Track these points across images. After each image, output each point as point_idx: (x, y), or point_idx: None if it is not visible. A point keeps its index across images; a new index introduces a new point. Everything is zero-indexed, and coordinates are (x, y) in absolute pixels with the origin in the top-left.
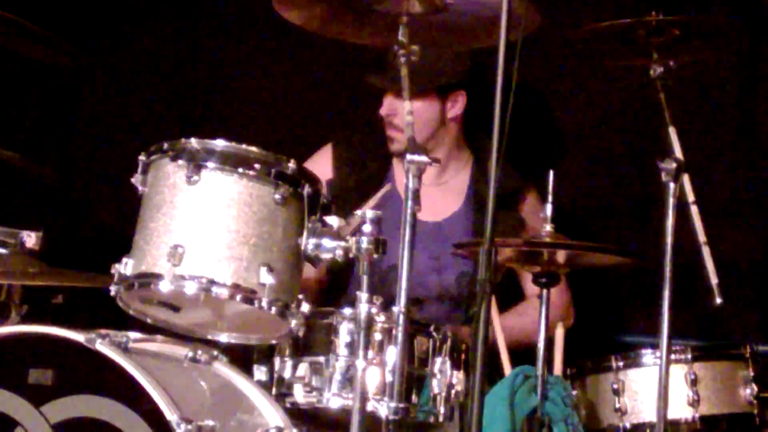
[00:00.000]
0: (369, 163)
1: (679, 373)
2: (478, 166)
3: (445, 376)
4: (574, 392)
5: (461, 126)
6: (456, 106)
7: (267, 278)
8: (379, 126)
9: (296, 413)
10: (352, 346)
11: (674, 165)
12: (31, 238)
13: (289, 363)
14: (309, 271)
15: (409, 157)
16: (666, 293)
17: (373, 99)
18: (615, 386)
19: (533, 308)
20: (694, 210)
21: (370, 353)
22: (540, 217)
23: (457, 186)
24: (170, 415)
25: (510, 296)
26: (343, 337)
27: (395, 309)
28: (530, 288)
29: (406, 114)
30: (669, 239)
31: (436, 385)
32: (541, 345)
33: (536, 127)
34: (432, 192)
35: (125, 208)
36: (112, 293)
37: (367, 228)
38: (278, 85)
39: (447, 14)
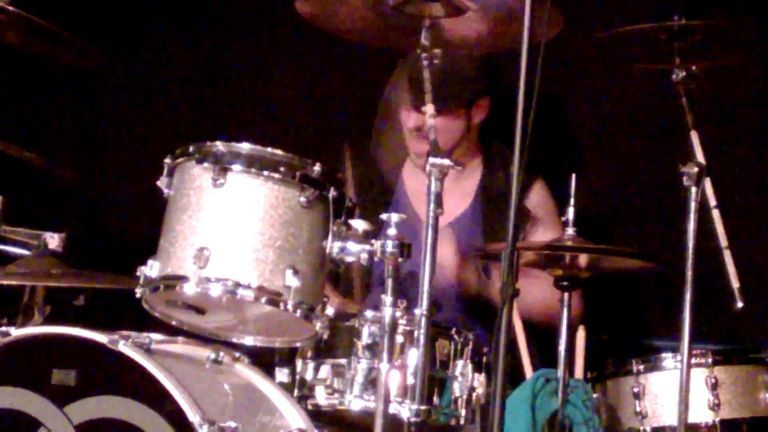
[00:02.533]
0: (383, 168)
1: (699, 376)
2: (488, 167)
3: (466, 379)
4: (595, 396)
5: (479, 130)
6: (480, 112)
7: (292, 281)
8: (392, 137)
9: (318, 415)
10: (373, 349)
11: (696, 169)
12: (53, 240)
13: (311, 365)
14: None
15: (431, 160)
16: (687, 297)
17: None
18: (636, 390)
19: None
20: (715, 214)
21: (393, 356)
22: (547, 207)
23: (466, 188)
24: (193, 417)
25: None
26: (365, 340)
27: (417, 312)
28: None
29: (428, 117)
30: (691, 243)
31: (457, 388)
32: (561, 348)
33: (558, 131)
34: (446, 194)
35: (147, 209)
36: (138, 295)
37: (391, 231)
38: (300, 88)
39: (469, 17)
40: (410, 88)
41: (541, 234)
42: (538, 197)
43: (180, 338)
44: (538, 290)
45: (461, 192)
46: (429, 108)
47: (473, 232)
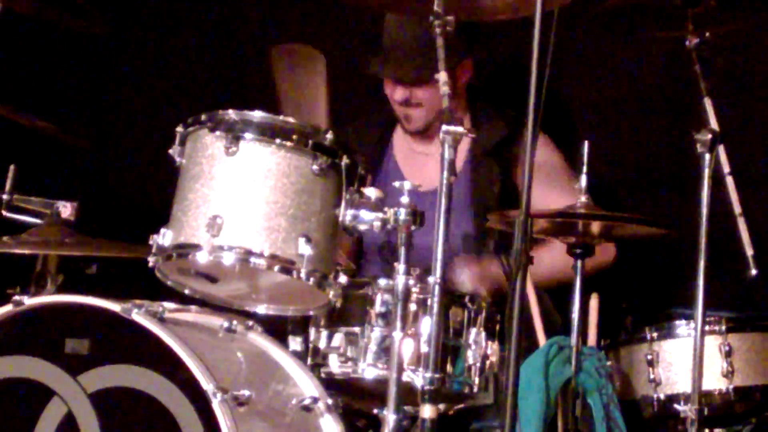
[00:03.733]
0: (368, 130)
1: (713, 344)
2: (475, 127)
3: (479, 347)
4: (609, 363)
5: (465, 92)
6: (464, 74)
7: (305, 249)
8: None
9: (331, 383)
10: (386, 317)
11: (709, 136)
12: (66, 209)
13: (324, 333)
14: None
15: (444, 127)
16: (701, 264)
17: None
18: (649, 357)
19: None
20: (729, 181)
21: (406, 324)
22: (552, 158)
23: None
24: (206, 385)
25: None
26: (378, 308)
27: (431, 279)
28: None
29: (441, 85)
30: (704, 210)
31: (470, 356)
32: (575, 315)
33: (571, 98)
34: (428, 159)
35: (160, 178)
36: (151, 264)
37: (404, 199)
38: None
39: None
40: (389, 61)
41: (554, 193)
42: (540, 151)
43: (193, 307)
44: (548, 258)
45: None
46: (442, 75)
47: (465, 196)
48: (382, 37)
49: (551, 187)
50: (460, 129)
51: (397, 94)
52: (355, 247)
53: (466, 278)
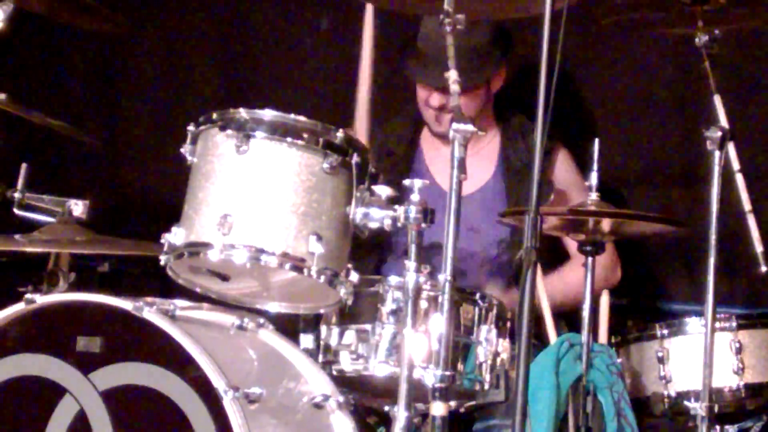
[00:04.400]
0: (397, 140)
1: (723, 341)
2: (506, 136)
3: (490, 344)
4: (619, 360)
5: (494, 98)
6: (498, 81)
7: (316, 247)
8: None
9: (342, 380)
10: (397, 315)
11: (719, 133)
12: (78, 207)
13: (335, 331)
14: None
15: (455, 126)
16: (711, 261)
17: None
18: (660, 354)
19: (578, 268)
20: (739, 178)
21: (417, 322)
22: (574, 176)
23: (487, 157)
24: (218, 383)
25: (553, 256)
26: (389, 306)
27: (441, 277)
28: (574, 249)
29: (452, 82)
30: (714, 207)
31: (481, 353)
32: (586, 313)
33: (581, 96)
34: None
35: (171, 177)
36: (162, 262)
37: (415, 197)
38: (322, 58)
39: None
40: (427, 66)
41: (569, 204)
42: (562, 168)
43: (205, 305)
44: (571, 287)
45: (483, 161)
46: (452, 74)
47: (498, 200)
48: (418, 40)
49: (572, 200)
50: (470, 127)
51: (433, 99)
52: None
53: None
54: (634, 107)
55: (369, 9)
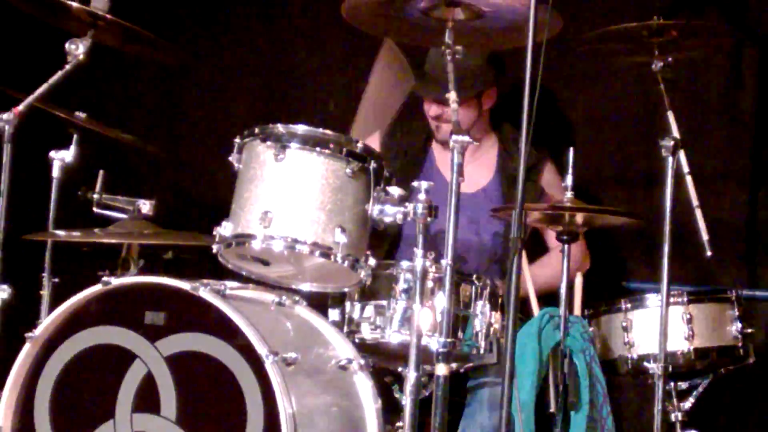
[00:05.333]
0: (413, 138)
1: (677, 313)
2: (503, 146)
3: (485, 317)
4: (591, 329)
5: (489, 113)
6: (489, 101)
7: (341, 237)
8: (420, 117)
9: (363, 347)
10: (408, 292)
11: (672, 143)
12: (146, 206)
13: (357, 306)
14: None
15: (454, 137)
16: (666, 248)
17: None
18: (624, 324)
19: (556, 258)
20: (688, 179)
21: (424, 298)
22: (557, 181)
23: (487, 163)
24: (260, 349)
25: (537, 249)
26: (401, 285)
27: (444, 262)
28: (553, 242)
29: (452, 102)
30: (668, 203)
31: (477, 324)
32: (563, 290)
33: (559, 113)
34: (468, 167)
35: (221, 180)
36: (214, 251)
37: (421, 196)
38: (344, 80)
39: (484, 20)
40: (429, 84)
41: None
42: (549, 176)
43: (250, 285)
44: (542, 274)
45: (483, 166)
46: (452, 95)
47: (496, 200)
48: (425, 65)
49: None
50: (466, 138)
51: (432, 110)
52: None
53: None
54: (603, 121)
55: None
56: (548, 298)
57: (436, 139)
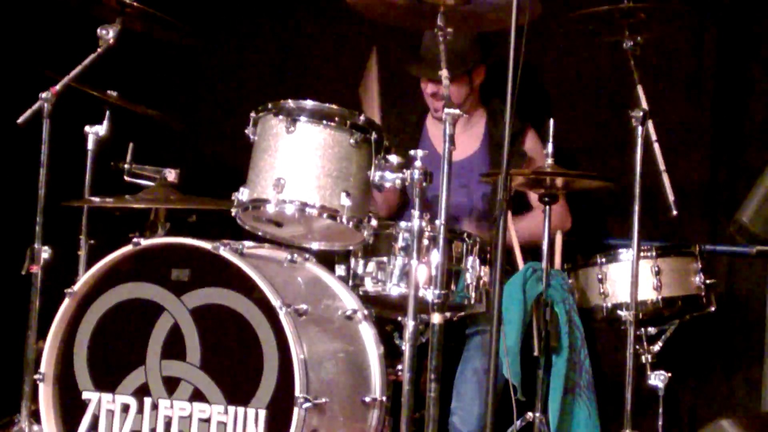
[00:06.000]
0: (408, 116)
1: (646, 266)
2: (491, 118)
3: (475, 271)
4: (570, 281)
5: (479, 89)
6: (479, 77)
7: (346, 201)
8: (415, 98)
9: (366, 299)
10: (407, 250)
11: (641, 113)
12: (171, 174)
13: (361, 262)
14: (390, 199)
15: (446, 110)
16: (636, 207)
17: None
18: (599, 276)
19: (538, 215)
20: (656, 146)
21: (420, 255)
22: (538, 147)
23: (476, 133)
24: (275, 301)
25: (522, 209)
26: (400, 243)
27: (438, 222)
28: (535, 201)
29: (444, 79)
30: (638, 168)
31: (468, 277)
32: (545, 246)
33: (540, 88)
34: (459, 137)
35: (239, 151)
36: (233, 214)
37: (418, 164)
38: (347, 59)
39: (473, 5)
40: (424, 65)
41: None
42: (531, 142)
43: (266, 245)
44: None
45: (473, 136)
46: (444, 72)
47: (484, 165)
48: (421, 47)
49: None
50: (457, 111)
51: (429, 88)
52: (398, 201)
53: None
54: (580, 95)
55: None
56: (532, 253)
57: (432, 115)
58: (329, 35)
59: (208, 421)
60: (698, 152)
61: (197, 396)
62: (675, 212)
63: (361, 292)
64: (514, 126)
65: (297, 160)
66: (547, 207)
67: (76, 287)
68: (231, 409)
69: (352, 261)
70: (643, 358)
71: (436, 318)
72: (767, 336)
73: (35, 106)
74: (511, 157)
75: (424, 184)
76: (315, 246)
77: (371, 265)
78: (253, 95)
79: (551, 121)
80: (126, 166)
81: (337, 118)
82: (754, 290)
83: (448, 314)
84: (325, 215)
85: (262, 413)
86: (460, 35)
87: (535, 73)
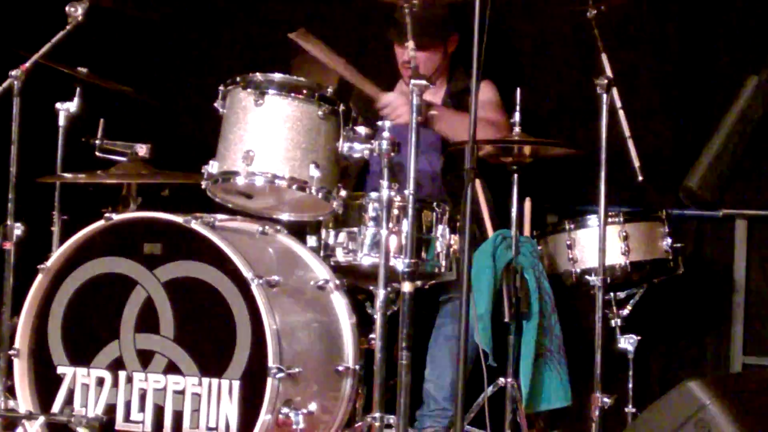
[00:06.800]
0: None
1: (614, 231)
2: (451, 85)
3: (445, 239)
4: (539, 248)
5: (450, 57)
6: (452, 46)
7: (315, 172)
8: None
9: (338, 269)
10: (377, 220)
11: (606, 81)
12: (142, 149)
13: (332, 233)
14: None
15: (413, 81)
16: (602, 174)
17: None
18: (568, 242)
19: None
20: (621, 113)
21: (391, 224)
22: (491, 98)
23: (437, 98)
24: (247, 273)
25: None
26: (370, 213)
27: (406, 192)
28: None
29: (410, 50)
30: (603, 135)
31: (438, 246)
32: (513, 214)
33: (507, 57)
34: None
35: (208, 124)
36: (203, 186)
37: (385, 134)
38: (317, 30)
39: None
40: (398, 32)
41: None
42: (483, 91)
43: (238, 217)
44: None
45: (434, 98)
46: (410, 44)
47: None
48: (396, 14)
49: (486, 111)
50: (423, 82)
51: (405, 55)
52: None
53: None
54: (546, 64)
55: None
56: (502, 220)
57: (405, 82)
58: (300, 7)
59: (182, 393)
60: (663, 118)
61: (171, 368)
62: (641, 178)
63: (332, 263)
64: (465, 82)
65: (266, 133)
66: (515, 176)
67: (49, 263)
68: (205, 380)
69: (323, 232)
70: (613, 322)
71: (407, 287)
72: (734, 298)
73: (5, 84)
74: (476, 121)
75: (393, 154)
76: (285, 217)
77: (342, 236)
78: (224, 70)
79: (518, 90)
80: (97, 141)
81: (305, 91)
82: (721, 253)
83: (419, 283)
84: (294, 186)
85: (236, 384)
86: (435, 5)
87: (501, 40)
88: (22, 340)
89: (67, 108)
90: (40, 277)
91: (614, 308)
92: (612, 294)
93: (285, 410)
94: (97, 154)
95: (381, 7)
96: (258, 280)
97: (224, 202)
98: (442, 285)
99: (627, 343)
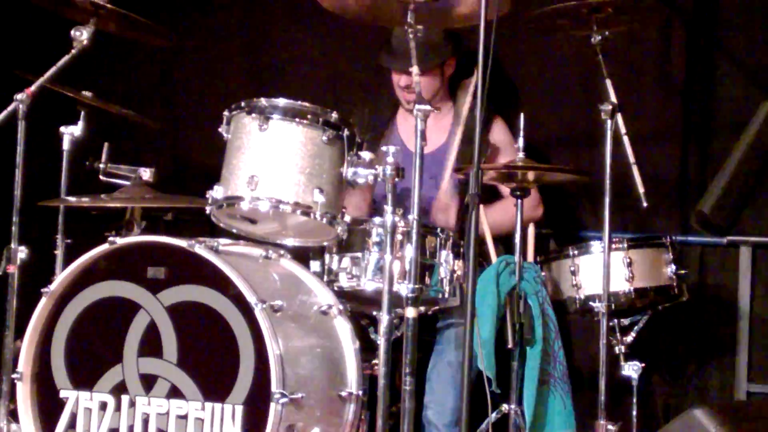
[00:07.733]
0: (382, 112)
1: (618, 257)
2: (457, 110)
3: (448, 265)
4: (543, 273)
5: (448, 82)
6: (450, 69)
7: (319, 197)
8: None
9: (341, 294)
10: (380, 245)
11: (610, 107)
12: (146, 173)
13: (336, 258)
14: (361, 199)
15: (417, 106)
16: (607, 200)
17: (383, 70)
18: (572, 268)
19: (509, 205)
20: (625, 139)
21: (394, 250)
22: (504, 137)
23: (444, 125)
24: (250, 298)
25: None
26: (374, 238)
27: (410, 217)
28: (506, 191)
29: (414, 75)
30: (608, 161)
31: (442, 271)
32: (517, 239)
33: (512, 83)
34: (427, 130)
35: (213, 149)
36: (207, 211)
37: (390, 159)
38: (320, 57)
39: (442, 1)
40: (397, 58)
41: (501, 158)
42: (497, 133)
43: (241, 241)
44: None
45: (440, 129)
46: (415, 69)
47: (451, 156)
48: (392, 42)
49: (504, 156)
50: (428, 107)
51: (402, 81)
52: (369, 200)
53: (441, 216)
54: (550, 89)
55: None
56: (505, 246)
57: (404, 108)
58: (302, 34)
59: (185, 417)
60: (668, 144)
61: (174, 393)
62: (645, 204)
63: (336, 288)
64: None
65: (270, 158)
66: (519, 200)
67: (53, 286)
68: (208, 405)
69: (327, 257)
70: (617, 348)
71: (411, 312)
72: (739, 325)
73: (10, 108)
74: (481, 152)
75: (397, 179)
76: (289, 242)
77: (346, 261)
78: (228, 94)
79: (521, 115)
80: (101, 165)
81: (309, 116)
82: (725, 280)
83: (422, 308)
84: (298, 212)
85: (239, 409)
86: (432, 30)
87: (505, 67)
88: (25, 363)
89: (71, 132)
90: (43, 300)
91: (618, 335)
92: (616, 320)
93: None
94: (101, 177)
95: (375, 35)
96: (261, 304)
97: (228, 227)
98: (444, 311)
99: (631, 369)
